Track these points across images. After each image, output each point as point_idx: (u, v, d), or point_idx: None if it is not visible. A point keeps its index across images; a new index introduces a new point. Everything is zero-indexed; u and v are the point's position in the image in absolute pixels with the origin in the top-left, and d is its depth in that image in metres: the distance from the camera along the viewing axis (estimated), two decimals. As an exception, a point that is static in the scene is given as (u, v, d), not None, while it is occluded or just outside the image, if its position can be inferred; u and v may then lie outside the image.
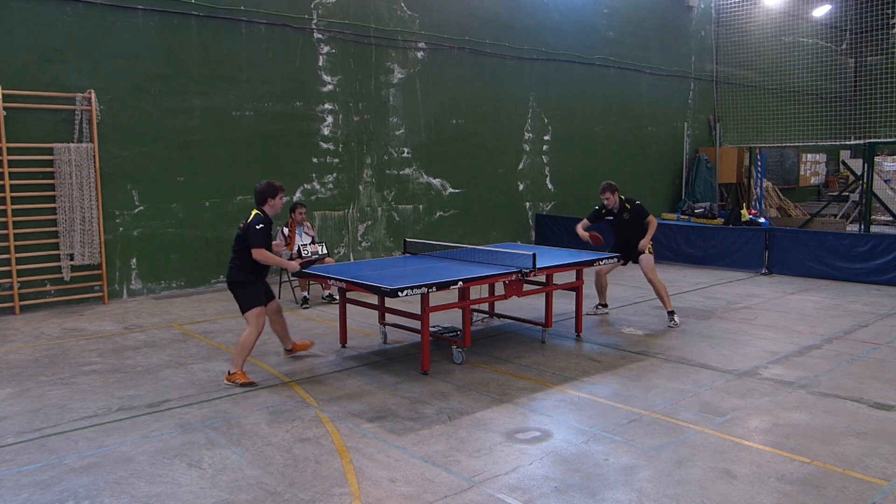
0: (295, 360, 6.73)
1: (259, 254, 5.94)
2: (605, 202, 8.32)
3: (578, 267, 7.43)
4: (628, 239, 8.35)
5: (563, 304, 8.54)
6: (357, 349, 7.11)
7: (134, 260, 9.78)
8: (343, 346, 7.15)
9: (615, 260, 8.10)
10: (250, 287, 6.11)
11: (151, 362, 6.68)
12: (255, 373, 6.29)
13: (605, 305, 8.83)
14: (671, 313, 8.12)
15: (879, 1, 17.79)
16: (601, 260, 7.66)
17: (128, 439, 4.82)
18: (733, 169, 18.01)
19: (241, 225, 6.10)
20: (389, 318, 7.25)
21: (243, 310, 6.10)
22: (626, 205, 8.34)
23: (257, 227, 5.95)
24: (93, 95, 9.17)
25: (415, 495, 3.98)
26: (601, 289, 8.74)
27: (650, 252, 8.26)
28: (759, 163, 17.61)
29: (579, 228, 8.46)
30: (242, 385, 5.97)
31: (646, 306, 9.09)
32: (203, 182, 10.24)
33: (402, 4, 12.29)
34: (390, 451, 4.59)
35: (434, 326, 6.94)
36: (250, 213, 6.10)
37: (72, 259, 9.19)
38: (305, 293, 9.34)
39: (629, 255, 8.34)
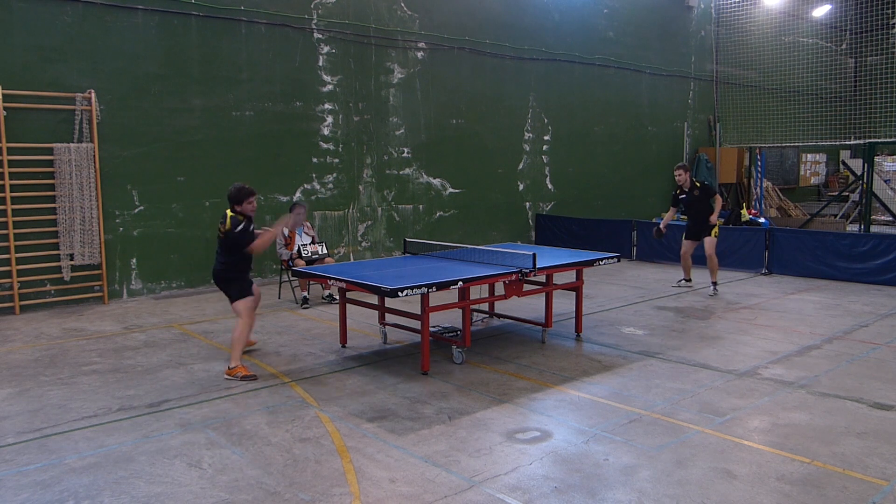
0: (295, 360, 6.74)
1: (252, 250, 6.20)
2: (677, 178, 9.81)
3: (578, 267, 7.43)
4: (698, 216, 9.81)
5: (563, 304, 8.54)
6: (357, 349, 7.11)
7: (134, 260, 9.78)
8: (343, 346, 7.15)
9: (687, 240, 9.99)
10: (239, 281, 6.30)
11: (151, 362, 6.68)
12: (255, 373, 6.29)
13: (689, 280, 10.23)
14: (714, 284, 9.75)
15: (879, 1, 17.80)
16: (601, 260, 7.64)
17: (128, 439, 4.82)
18: (733, 169, 18.01)
19: (221, 228, 6.27)
20: (389, 318, 7.25)
21: (234, 300, 6.27)
22: (696, 183, 9.85)
23: (237, 230, 6.14)
24: (93, 95, 9.17)
25: (415, 495, 3.98)
26: (686, 268, 10.22)
27: (715, 235, 9.77)
28: (759, 163, 17.61)
29: (662, 225, 10.33)
30: (243, 378, 6.04)
31: (645, 306, 9.10)
32: (203, 182, 10.24)
33: (402, 4, 12.29)
34: (390, 451, 4.59)
35: (434, 326, 6.94)
36: (225, 215, 6.26)
37: (72, 259, 9.19)
38: (305, 293, 9.34)
39: (699, 230, 9.80)
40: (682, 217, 10.61)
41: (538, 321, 7.55)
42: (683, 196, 9.92)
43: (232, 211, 6.25)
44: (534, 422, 5.10)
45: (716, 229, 9.77)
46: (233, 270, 6.31)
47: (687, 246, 10.12)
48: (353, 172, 11.92)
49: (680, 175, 9.80)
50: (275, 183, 10.99)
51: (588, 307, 8.73)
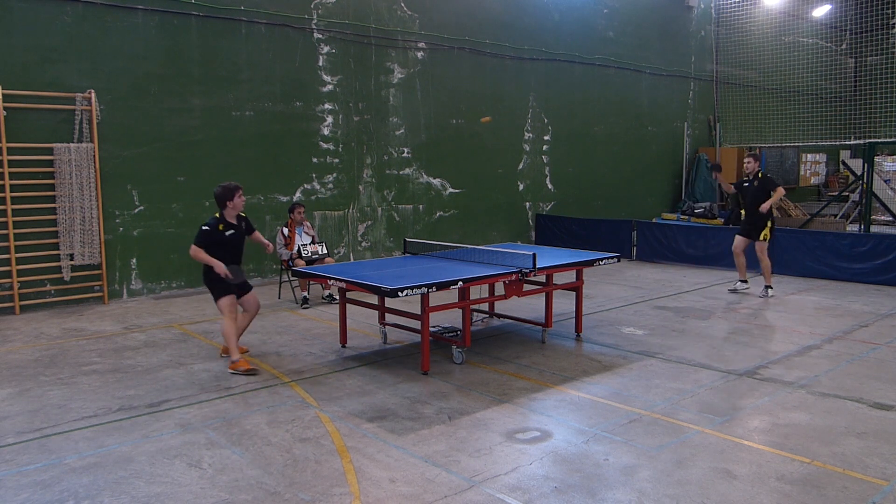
0: (295, 360, 6.74)
1: (191, 250, 6.33)
2: (746, 165, 9.70)
3: (578, 267, 7.43)
4: (752, 208, 9.55)
5: (563, 304, 8.54)
6: (357, 349, 7.11)
7: (134, 260, 9.78)
8: (343, 346, 7.15)
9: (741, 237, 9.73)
10: (219, 280, 6.43)
11: (151, 362, 6.68)
12: (255, 372, 6.30)
13: (745, 282, 9.93)
14: (768, 287, 9.57)
15: (879, 1, 17.79)
16: (601, 260, 7.64)
17: (128, 439, 4.82)
18: (733, 169, 18.00)
19: None
20: (389, 318, 7.25)
21: (216, 300, 6.46)
22: (759, 174, 9.66)
23: (202, 226, 6.38)
24: (93, 95, 9.17)
25: (415, 495, 3.98)
26: (740, 267, 9.90)
27: (766, 238, 9.52)
28: (759, 163, 17.58)
29: (720, 171, 10.27)
30: (246, 372, 6.19)
31: (645, 306, 9.10)
32: (203, 182, 10.23)
33: (402, 4, 12.29)
34: (390, 451, 4.59)
35: (434, 326, 6.94)
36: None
37: (72, 259, 9.19)
38: (305, 293, 9.34)
39: (751, 226, 9.60)
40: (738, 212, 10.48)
41: (538, 321, 7.55)
42: (746, 184, 9.74)
43: (221, 210, 6.48)
44: (534, 422, 5.10)
45: (766, 231, 9.49)
46: (208, 276, 6.46)
47: (739, 242, 9.81)
48: (353, 172, 11.92)
49: (749, 163, 9.65)
50: (275, 183, 10.99)
51: (588, 307, 8.73)
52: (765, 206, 9.31)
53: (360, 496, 3.98)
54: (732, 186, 10.18)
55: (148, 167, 9.81)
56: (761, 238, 9.49)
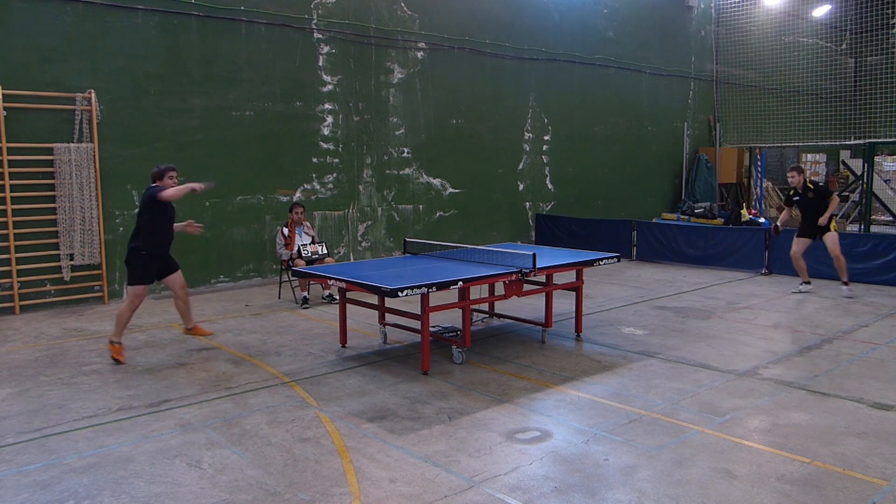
0: (295, 359, 6.74)
1: (164, 195, 6.42)
2: (790, 180, 9.67)
3: (578, 267, 7.43)
4: (814, 217, 9.53)
5: (563, 304, 8.54)
6: (357, 349, 7.11)
7: (134, 260, 9.77)
8: (343, 346, 7.15)
9: (802, 238, 9.70)
10: (139, 265, 6.58)
11: (151, 362, 6.68)
12: (255, 373, 6.31)
13: (809, 282, 9.92)
14: (845, 283, 9.54)
15: (879, 1, 17.79)
16: (601, 260, 7.64)
17: (128, 439, 4.82)
18: (733, 169, 18.01)
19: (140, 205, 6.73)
20: (389, 318, 7.25)
21: (128, 284, 6.67)
22: (809, 185, 9.63)
23: (151, 185, 6.59)
24: (93, 95, 9.17)
25: (415, 495, 3.98)
26: (801, 269, 9.88)
27: (835, 230, 9.52)
28: (759, 163, 17.61)
29: (778, 223, 10.17)
30: (114, 359, 6.56)
31: (645, 306, 9.10)
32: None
33: (402, 4, 12.29)
34: (390, 451, 4.59)
35: (434, 326, 6.94)
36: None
37: (72, 259, 9.19)
38: (305, 293, 9.33)
39: (815, 231, 9.56)
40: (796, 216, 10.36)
41: (538, 321, 7.55)
42: (797, 198, 9.78)
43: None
44: (534, 422, 5.10)
45: (833, 223, 9.54)
46: (133, 253, 6.56)
47: (799, 244, 9.78)
48: (353, 172, 11.92)
49: (794, 177, 9.65)
50: (275, 183, 10.99)
51: (588, 307, 8.73)
52: (823, 220, 9.41)
53: (360, 496, 3.98)
54: (785, 211, 10.28)
55: (148, 167, 9.63)
56: (833, 229, 9.52)
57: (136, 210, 6.69)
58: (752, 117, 17.91)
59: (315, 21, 11.26)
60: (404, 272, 6.64)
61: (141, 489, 4.09)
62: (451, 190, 13.30)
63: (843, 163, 21.60)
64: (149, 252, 6.61)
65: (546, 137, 14.87)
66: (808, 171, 22.99)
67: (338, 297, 7.18)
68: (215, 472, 4.30)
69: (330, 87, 11.51)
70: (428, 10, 12.63)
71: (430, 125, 12.85)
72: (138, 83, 9.66)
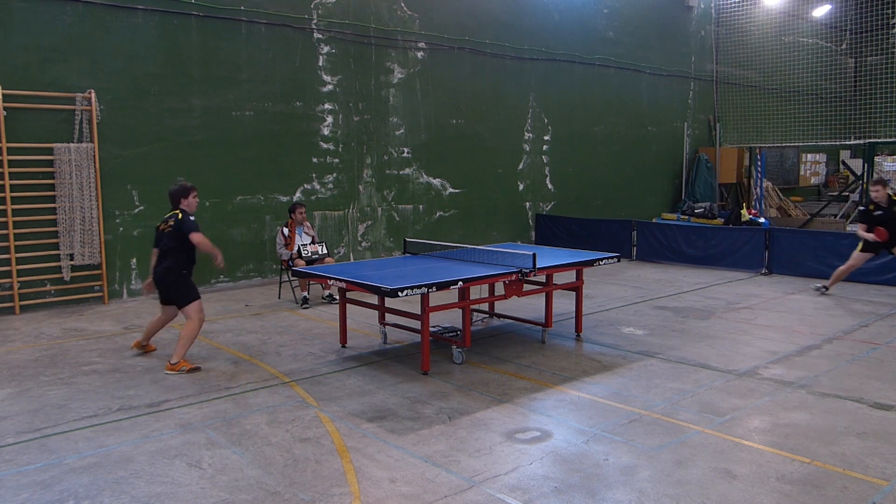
0: (295, 359, 6.74)
1: (198, 237, 6.36)
2: (874, 194, 9.12)
3: (578, 267, 7.43)
4: (895, 234, 9.02)
5: (563, 304, 8.54)
6: (357, 349, 7.11)
7: (134, 260, 9.77)
8: (343, 346, 7.15)
9: (868, 253, 9.28)
10: (188, 282, 6.54)
11: (151, 362, 6.68)
12: (255, 373, 6.31)
13: (827, 289, 9.71)
14: (826, 287, 9.55)
15: (879, 1, 17.79)
16: (601, 260, 7.63)
17: (128, 439, 4.82)
18: (733, 169, 18.01)
19: (163, 227, 6.51)
20: (389, 318, 7.25)
21: (182, 304, 6.50)
22: (894, 199, 9.07)
23: (191, 217, 6.46)
24: (93, 95, 9.17)
25: (415, 495, 3.98)
26: (838, 278, 9.57)
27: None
28: (759, 163, 17.61)
29: (860, 231, 9.25)
30: (189, 371, 6.29)
31: (645, 306, 9.10)
32: (203, 182, 10.19)
33: (402, 4, 12.29)
34: (390, 451, 4.59)
35: (434, 326, 6.94)
36: (170, 215, 6.51)
37: (72, 259, 9.19)
38: (305, 293, 9.34)
39: (888, 246, 9.13)
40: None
41: (538, 321, 7.55)
42: (879, 213, 9.03)
43: (176, 209, 6.52)
44: (534, 422, 5.10)
45: None
46: (177, 274, 6.49)
47: (858, 260, 9.38)
48: (353, 172, 11.92)
49: (878, 191, 9.03)
50: (275, 183, 10.99)
51: (588, 307, 8.73)
52: None
53: (360, 496, 3.98)
54: (862, 228, 9.24)
55: (148, 167, 9.80)
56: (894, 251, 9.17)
57: (165, 229, 6.47)
58: (752, 117, 17.91)
59: (315, 21, 11.25)
60: (404, 272, 6.64)
61: (141, 489, 4.09)
62: (451, 190, 13.30)
63: (843, 163, 21.62)
64: (189, 271, 6.60)
65: (546, 137, 14.87)
66: (808, 171, 23.02)
67: (338, 297, 7.18)
68: (215, 472, 4.30)
69: (330, 87, 11.51)
70: (428, 10, 12.63)
71: (430, 125, 12.85)
72: (138, 83, 9.66)
